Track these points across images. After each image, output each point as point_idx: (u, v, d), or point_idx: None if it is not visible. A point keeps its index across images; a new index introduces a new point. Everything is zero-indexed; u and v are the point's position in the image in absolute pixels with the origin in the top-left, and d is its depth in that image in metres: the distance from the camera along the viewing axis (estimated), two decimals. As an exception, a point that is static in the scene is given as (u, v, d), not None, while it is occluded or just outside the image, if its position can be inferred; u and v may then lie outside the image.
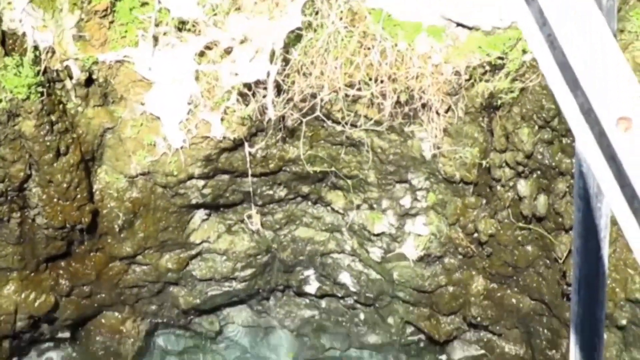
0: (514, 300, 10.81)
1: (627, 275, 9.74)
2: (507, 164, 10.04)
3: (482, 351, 11.31)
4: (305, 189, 10.74)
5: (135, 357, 11.48)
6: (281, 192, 10.72)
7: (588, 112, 2.43)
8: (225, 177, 10.39)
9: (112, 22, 9.70)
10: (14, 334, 10.67)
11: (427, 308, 11.21)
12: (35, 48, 9.40)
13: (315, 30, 9.61)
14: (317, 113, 9.85)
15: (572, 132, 2.45)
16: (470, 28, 9.71)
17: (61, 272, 10.65)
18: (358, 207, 10.78)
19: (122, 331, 11.30)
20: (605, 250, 3.14)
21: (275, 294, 11.65)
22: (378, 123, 9.97)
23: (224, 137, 9.98)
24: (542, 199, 10.01)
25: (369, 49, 9.68)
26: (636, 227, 2.26)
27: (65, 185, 9.88)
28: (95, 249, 10.63)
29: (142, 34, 9.58)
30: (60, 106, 9.75)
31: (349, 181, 10.56)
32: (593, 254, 3.17)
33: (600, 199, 3.11)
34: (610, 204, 2.40)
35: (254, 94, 9.75)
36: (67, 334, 11.15)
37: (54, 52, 9.55)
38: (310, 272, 11.39)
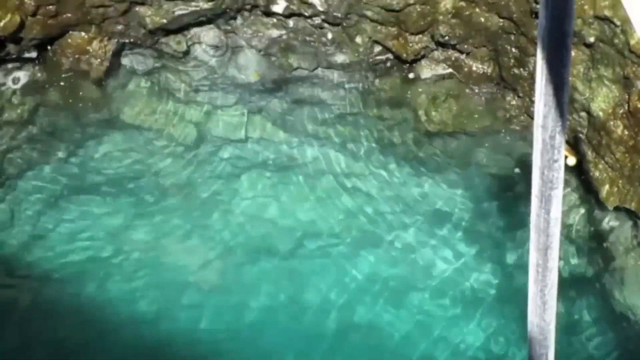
0: (482, 19, 11.29)
1: (595, -9, 10.21)
2: None
3: (450, 70, 11.82)
4: None
5: (102, 76, 11.91)
6: None
7: None
8: None
9: None
10: (-21, 55, 11.04)
11: (395, 27, 11.53)
12: None
13: None
14: None
15: None
16: None
17: (26, -9, 10.90)
18: None
19: (89, 51, 11.75)
20: None
21: (242, 13, 11.82)
22: None
23: None
24: None
25: None
26: None
27: None
28: (60, -33, 10.83)
29: None
30: None
31: None
32: None
33: None
34: None
35: None
36: (33, 54, 11.58)
37: None
38: (277, -10, 11.52)
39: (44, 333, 11.70)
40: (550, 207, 3.85)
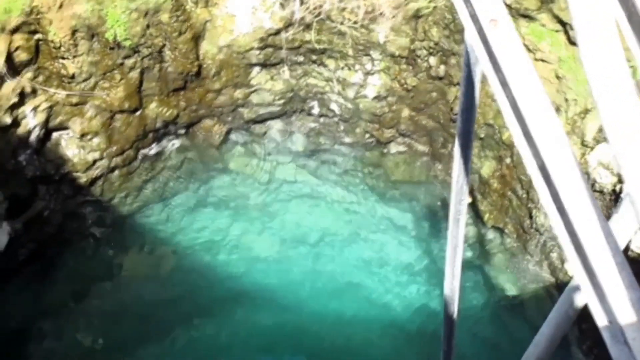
0: (424, 122, 11.30)
1: (485, 110, 10.35)
2: (424, 48, 10.45)
3: (406, 148, 11.74)
4: (314, 57, 10.96)
5: (219, 144, 11.80)
6: (301, 58, 10.96)
7: (474, 16, 2.34)
8: (271, 49, 10.68)
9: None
10: (154, 130, 11.18)
11: (377, 124, 11.54)
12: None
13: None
14: (322, 16, 10.22)
15: (464, 27, 2.46)
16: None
17: (180, 97, 11.04)
18: (342, 68, 11.01)
19: (213, 130, 11.67)
20: (477, 94, 3.05)
21: (295, 113, 11.83)
22: (355, 22, 10.30)
23: (271, 28, 10.35)
24: (442, 67, 10.54)
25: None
26: (495, 78, 2.29)
27: (184, 50, 10.37)
28: (199, 85, 10.98)
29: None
30: (182, 6, 10.04)
31: (338, 54, 10.82)
32: (471, 95, 3.10)
33: (476, 65, 2.93)
34: (483, 68, 2.36)
35: (288, 3, 10.22)
36: (183, 131, 11.56)
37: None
38: (315, 103, 11.61)
39: (182, 278, 11.76)
40: (459, 224, 3.85)
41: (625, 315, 1.79)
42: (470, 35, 2.44)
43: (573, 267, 2.03)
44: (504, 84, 2.27)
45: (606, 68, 1.99)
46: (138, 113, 10.89)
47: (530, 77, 2.22)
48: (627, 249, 8.23)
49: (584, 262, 1.95)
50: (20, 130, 9.98)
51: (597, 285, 1.89)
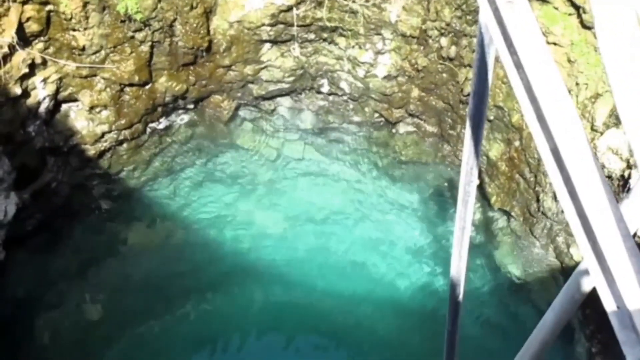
0: (434, 103, 11.24)
1: (495, 92, 10.29)
2: (436, 28, 10.39)
3: (415, 129, 11.72)
4: (324, 35, 10.88)
5: (228, 120, 11.77)
6: (311, 36, 10.87)
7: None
8: (282, 26, 10.61)
9: None
10: (164, 104, 11.13)
11: (386, 104, 11.48)
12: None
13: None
14: (334, -7, 10.07)
15: (480, 7, 2.45)
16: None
17: (190, 72, 10.95)
18: (353, 46, 10.94)
19: (222, 106, 11.61)
20: (490, 75, 3.06)
21: (305, 91, 11.75)
22: (367, 1, 10.21)
23: (282, 4, 10.28)
24: (453, 48, 10.46)
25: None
26: (510, 60, 2.29)
27: (194, 25, 10.28)
28: (209, 60, 10.90)
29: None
30: (194, -19, 9.94)
31: (349, 32, 10.74)
32: (483, 76, 3.09)
33: (490, 46, 2.94)
34: (497, 49, 2.35)
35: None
36: (192, 106, 11.51)
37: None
38: (324, 81, 11.55)
39: (188, 252, 11.82)
40: (467, 205, 3.84)
41: (634, 300, 1.79)
42: (486, 16, 2.41)
43: (583, 251, 2.03)
44: (518, 66, 2.25)
45: (625, 60, 1.97)
46: (148, 87, 10.84)
47: (545, 60, 2.21)
48: (636, 234, 8.20)
49: (594, 246, 1.94)
50: (30, 101, 9.98)
51: (607, 270, 1.89)
